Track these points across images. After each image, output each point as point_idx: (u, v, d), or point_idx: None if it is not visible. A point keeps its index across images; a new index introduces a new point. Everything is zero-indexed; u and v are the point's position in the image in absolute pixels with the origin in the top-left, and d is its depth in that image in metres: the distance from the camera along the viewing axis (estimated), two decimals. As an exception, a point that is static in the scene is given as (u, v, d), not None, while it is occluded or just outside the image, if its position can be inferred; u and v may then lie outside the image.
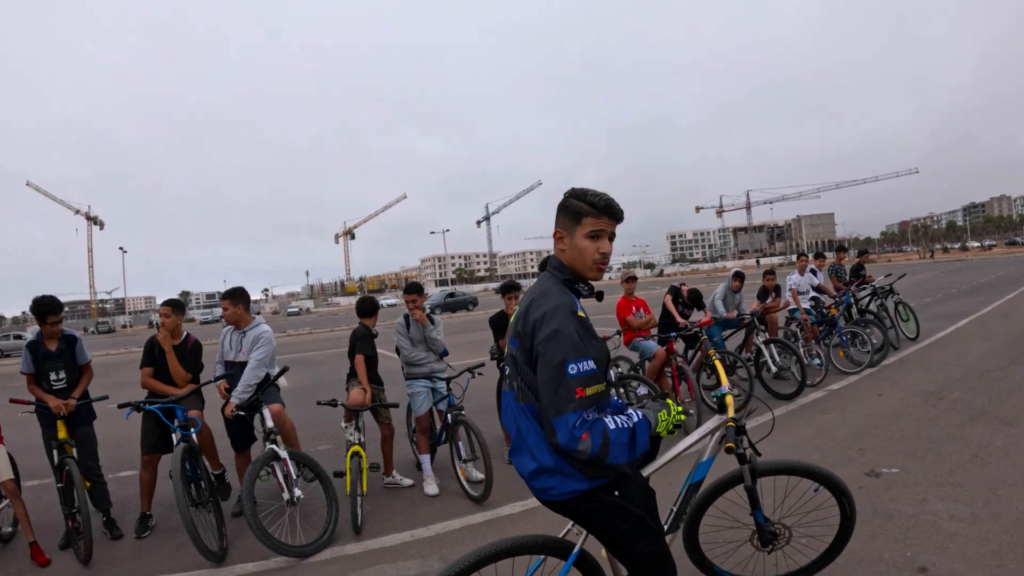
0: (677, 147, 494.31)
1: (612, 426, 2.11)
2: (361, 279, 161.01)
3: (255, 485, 5.30)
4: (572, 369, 2.03)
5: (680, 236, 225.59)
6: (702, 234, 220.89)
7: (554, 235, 2.32)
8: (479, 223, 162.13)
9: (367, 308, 6.10)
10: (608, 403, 2.35)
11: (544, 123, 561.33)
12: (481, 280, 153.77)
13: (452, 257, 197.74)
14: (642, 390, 7.27)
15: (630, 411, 2.29)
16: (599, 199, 2.22)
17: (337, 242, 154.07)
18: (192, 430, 4.93)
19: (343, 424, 5.58)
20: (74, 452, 5.06)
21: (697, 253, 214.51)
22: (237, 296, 5.51)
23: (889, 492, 4.38)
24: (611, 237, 2.28)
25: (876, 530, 3.82)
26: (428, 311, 6.01)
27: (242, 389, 5.18)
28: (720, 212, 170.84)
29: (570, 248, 2.27)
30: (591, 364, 2.07)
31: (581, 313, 2.19)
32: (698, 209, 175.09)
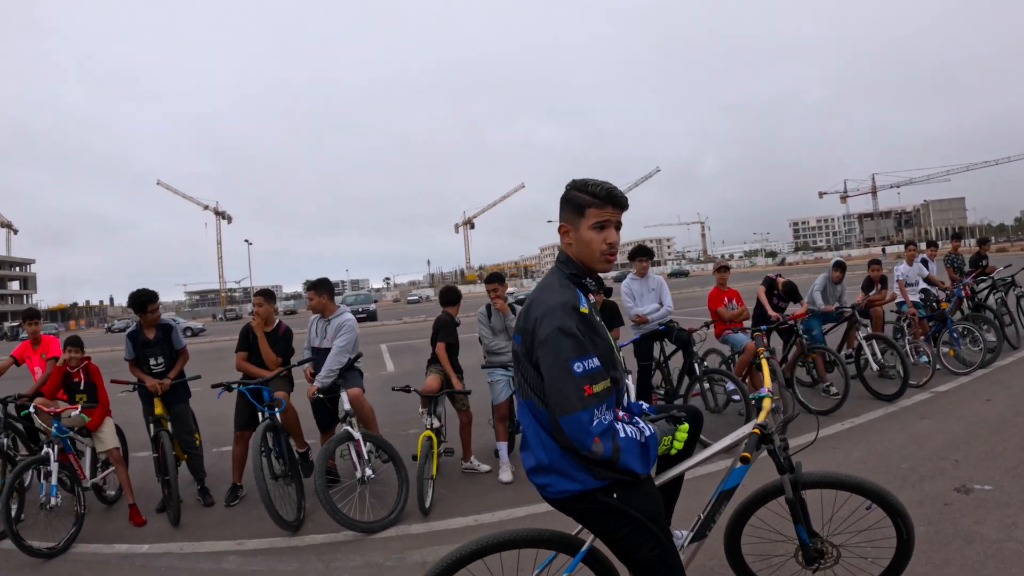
0: (799, 128, 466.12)
1: (623, 435, 2.11)
2: (480, 268, 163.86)
3: (338, 463, 5.64)
4: (578, 367, 2.01)
5: (803, 223, 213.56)
6: (826, 221, 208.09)
7: (559, 230, 2.28)
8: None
9: (450, 297, 6.29)
10: (619, 401, 2.30)
11: (663, 108, 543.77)
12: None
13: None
14: (729, 385, 7.03)
15: (641, 424, 2.25)
16: (600, 188, 2.17)
17: (457, 232, 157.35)
18: (276, 410, 5.28)
19: (420, 410, 5.78)
20: (169, 426, 5.59)
21: (820, 241, 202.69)
22: (322, 287, 5.81)
23: (976, 512, 4.00)
24: (617, 226, 2.22)
25: (951, 555, 3.51)
26: (511, 301, 6.10)
27: (324, 374, 5.49)
28: (844, 197, 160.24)
29: (576, 242, 2.22)
30: (596, 362, 2.05)
31: (584, 309, 2.13)
32: (821, 194, 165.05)
